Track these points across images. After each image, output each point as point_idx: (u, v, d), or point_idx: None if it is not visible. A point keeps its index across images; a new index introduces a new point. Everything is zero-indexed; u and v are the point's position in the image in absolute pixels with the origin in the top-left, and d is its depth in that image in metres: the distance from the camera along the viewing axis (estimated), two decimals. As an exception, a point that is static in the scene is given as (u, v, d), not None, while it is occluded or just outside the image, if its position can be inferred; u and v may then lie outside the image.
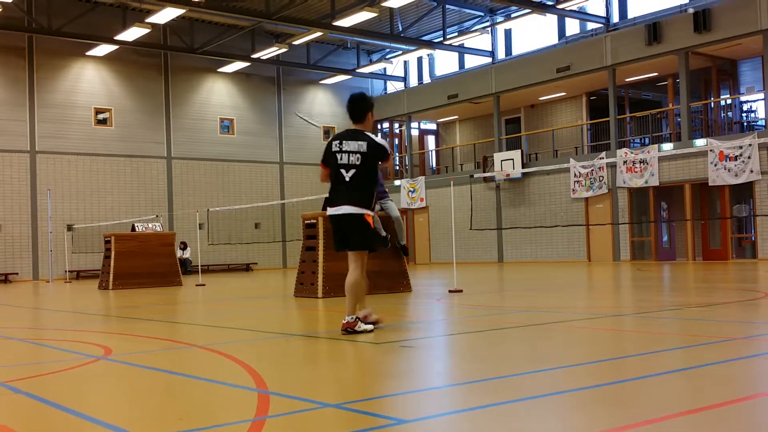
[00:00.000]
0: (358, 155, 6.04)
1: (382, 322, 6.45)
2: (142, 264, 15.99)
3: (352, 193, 6.06)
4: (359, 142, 6.06)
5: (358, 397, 3.74)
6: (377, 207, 10.79)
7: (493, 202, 26.50)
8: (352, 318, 6.04)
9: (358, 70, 30.00)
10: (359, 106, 6.19)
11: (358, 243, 6.14)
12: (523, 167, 24.74)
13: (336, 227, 6.23)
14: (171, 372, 4.71)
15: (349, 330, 5.98)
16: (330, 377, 4.43)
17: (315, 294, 10.35)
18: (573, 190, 23.86)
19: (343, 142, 6.09)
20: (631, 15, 24.03)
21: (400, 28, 26.39)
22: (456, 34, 27.36)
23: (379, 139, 6.20)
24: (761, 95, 22.12)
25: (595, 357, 4.82)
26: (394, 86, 32.07)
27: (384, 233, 10.74)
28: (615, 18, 24.32)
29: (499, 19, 26.85)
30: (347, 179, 6.06)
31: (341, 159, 6.07)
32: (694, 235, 21.60)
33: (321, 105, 30.62)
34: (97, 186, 25.31)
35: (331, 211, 6.23)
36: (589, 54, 23.56)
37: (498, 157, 25.91)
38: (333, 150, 6.13)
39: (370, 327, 6.12)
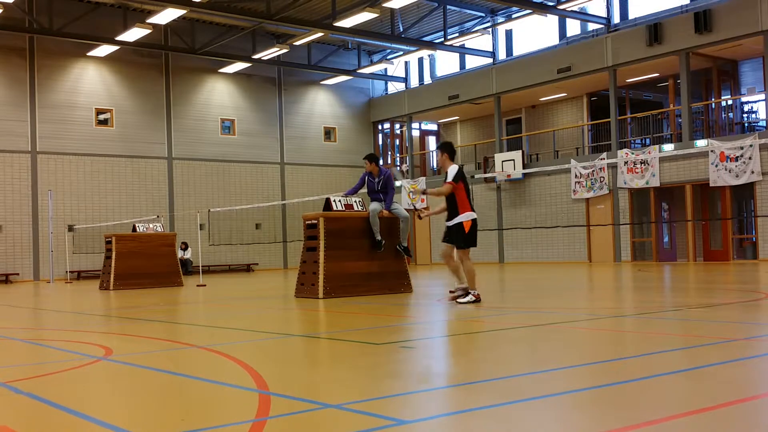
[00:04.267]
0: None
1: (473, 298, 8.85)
2: (143, 264, 15.99)
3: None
4: None
5: (359, 397, 3.74)
6: (376, 208, 10.82)
7: (493, 202, 26.51)
8: (474, 292, 8.90)
9: (359, 71, 30.01)
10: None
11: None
12: (523, 168, 24.73)
13: (475, 229, 9.08)
14: (172, 372, 4.72)
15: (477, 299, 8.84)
16: (330, 378, 4.43)
17: (316, 294, 10.34)
18: (574, 191, 23.86)
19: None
20: (631, 16, 24.02)
21: (401, 29, 26.39)
22: (457, 34, 27.36)
23: None
24: (762, 96, 22.10)
25: (596, 358, 4.82)
26: (395, 87, 32.08)
27: (379, 237, 10.76)
28: (616, 19, 24.31)
29: (500, 19, 26.84)
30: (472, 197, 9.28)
31: (468, 184, 9.19)
32: (695, 235, 21.60)
33: (322, 105, 30.63)
34: (98, 186, 25.31)
35: (474, 215, 9.11)
36: (590, 55, 23.56)
37: (499, 157, 25.92)
38: (466, 176, 9.19)
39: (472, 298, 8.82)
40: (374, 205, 10.94)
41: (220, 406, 3.62)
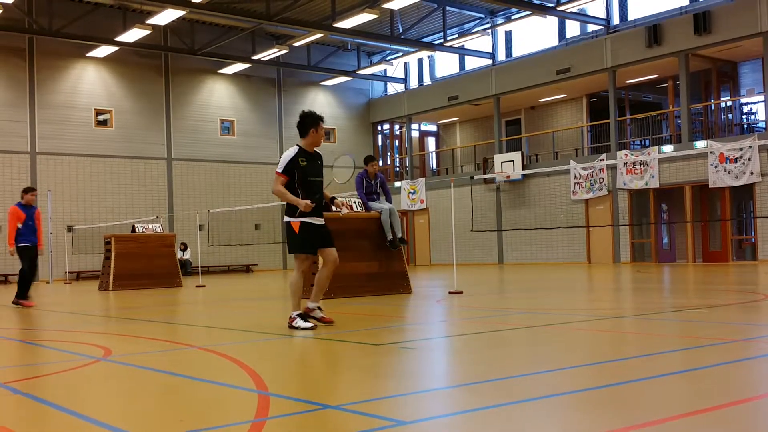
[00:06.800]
0: None
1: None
2: (143, 265, 15.99)
3: None
4: None
5: (358, 398, 3.74)
6: (383, 207, 10.83)
7: (493, 203, 26.50)
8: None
9: (358, 72, 30.01)
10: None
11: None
12: (523, 169, 24.73)
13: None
14: (171, 373, 4.71)
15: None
16: (330, 378, 4.43)
17: (315, 295, 10.33)
18: (573, 192, 23.86)
19: None
20: (631, 17, 24.04)
21: (401, 30, 26.40)
22: (456, 35, 27.36)
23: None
24: (761, 97, 22.11)
25: (596, 359, 4.81)
26: (394, 88, 32.08)
27: (391, 237, 10.77)
28: (615, 20, 24.32)
29: (500, 20, 26.86)
30: None
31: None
32: (694, 236, 21.60)
33: (321, 106, 30.59)
34: (97, 187, 25.31)
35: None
36: (590, 56, 23.57)
37: (498, 158, 25.91)
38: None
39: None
40: (378, 205, 10.92)
41: (219, 407, 3.62)
